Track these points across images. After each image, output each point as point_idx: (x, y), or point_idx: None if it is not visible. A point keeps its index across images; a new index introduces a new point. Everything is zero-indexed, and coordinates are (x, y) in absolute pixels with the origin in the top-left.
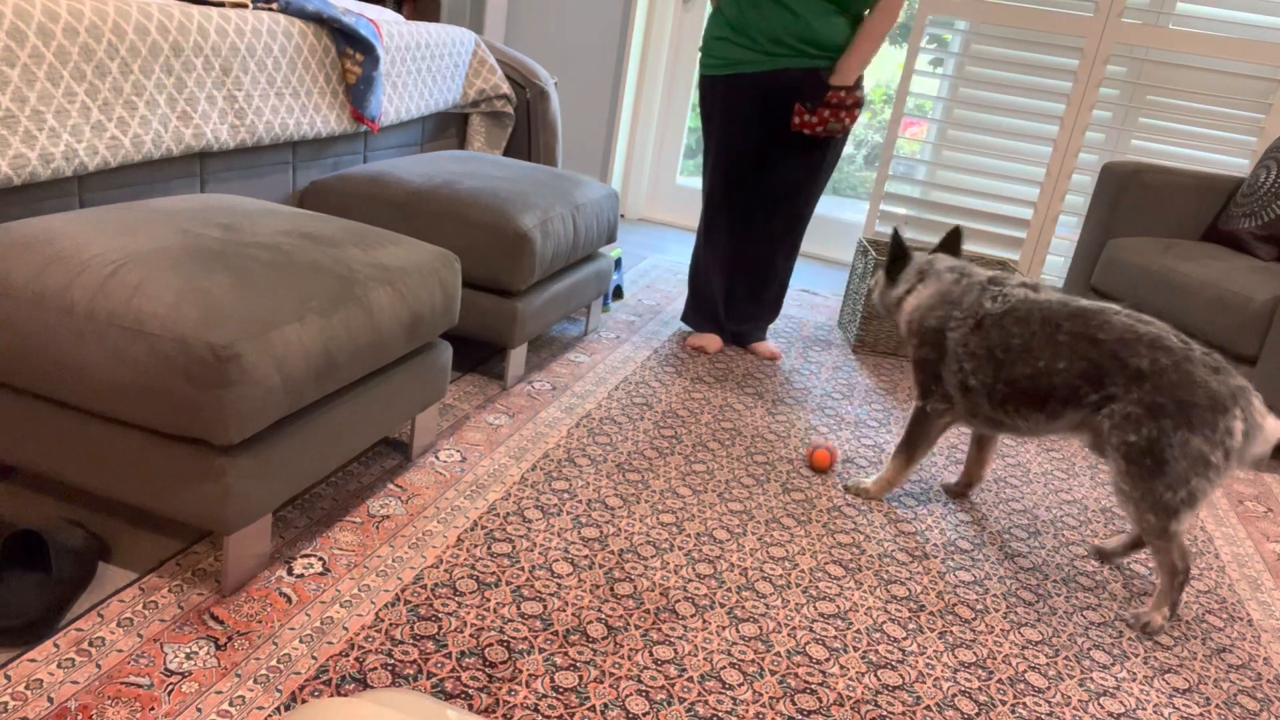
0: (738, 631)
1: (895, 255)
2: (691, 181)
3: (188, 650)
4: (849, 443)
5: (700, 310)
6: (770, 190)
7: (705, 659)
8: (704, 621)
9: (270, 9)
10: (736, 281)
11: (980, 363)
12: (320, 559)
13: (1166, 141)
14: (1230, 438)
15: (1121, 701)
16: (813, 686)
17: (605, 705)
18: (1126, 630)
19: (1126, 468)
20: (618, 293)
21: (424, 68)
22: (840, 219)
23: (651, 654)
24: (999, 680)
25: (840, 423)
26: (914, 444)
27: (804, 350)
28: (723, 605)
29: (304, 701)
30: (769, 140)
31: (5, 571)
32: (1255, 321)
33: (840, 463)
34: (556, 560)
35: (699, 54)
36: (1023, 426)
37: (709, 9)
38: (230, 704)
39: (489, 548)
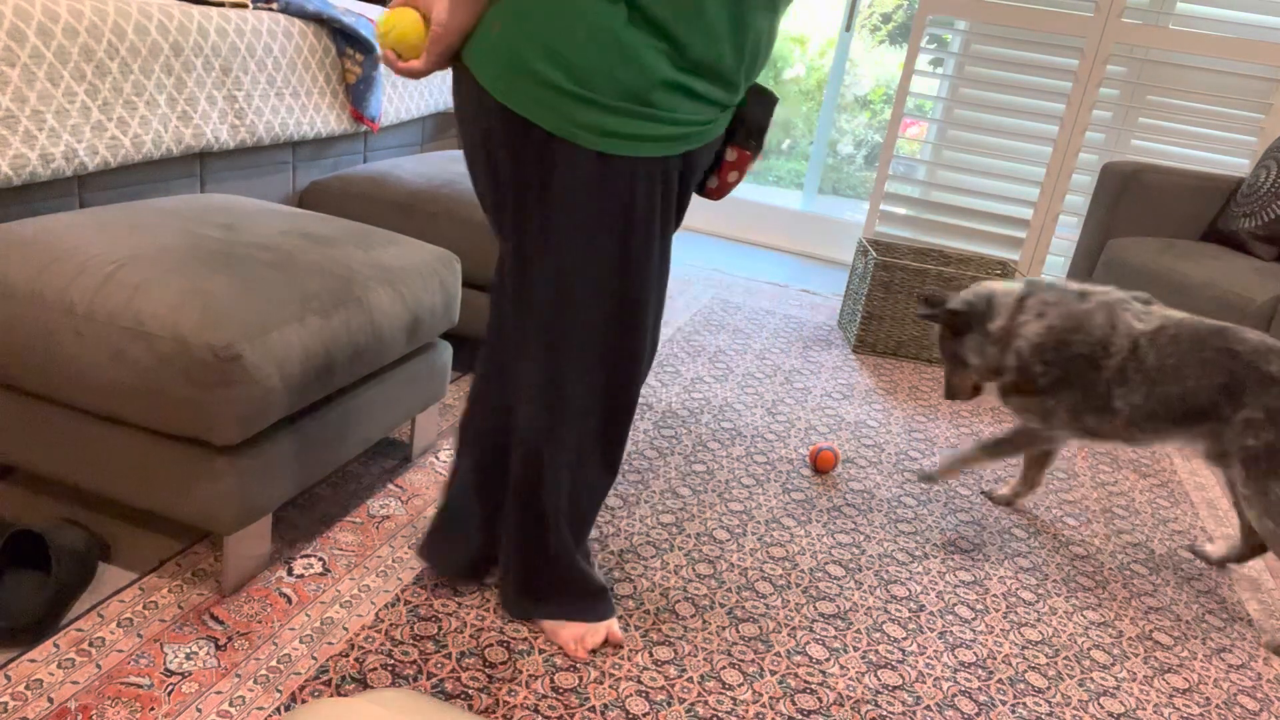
0: (738, 631)
1: (939, 301)
2: None
3: (188, 650)
4: (849, 443)
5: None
6: None
7: (705, 659)
8: (704, 621)
9: (270, 9)
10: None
11: (1134, 385)
12: (320, 559)
13: (1166, 141)
14: None
15: (1121, 701)
16: (813, 686)
17: (605, 705)
18: (1127, 630)
19: (1246, 473)
20: None
21: None
22: (840, 219)
23: (651, 654)
24: (999, 680)
25: (840, 423)
26: (1007, 454)
27: (804, 350)
28: (723, 605)
29: (304, 702)
30: None
31: (5, 571)
32: (1255, 321)
33: (841, 463)
34: None
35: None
36: (1151, 442)
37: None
38: (230, 704)
39: None
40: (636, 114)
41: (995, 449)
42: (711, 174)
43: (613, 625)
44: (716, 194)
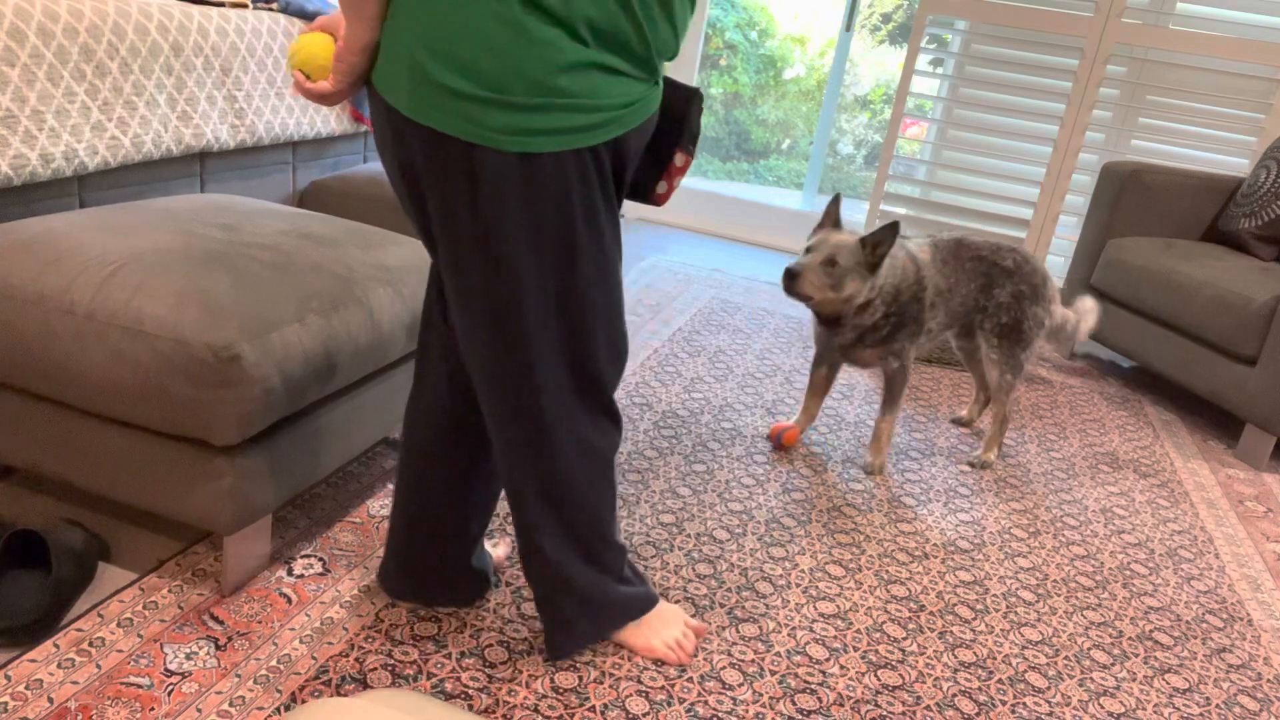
0: (738, 631)
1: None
2: (690, 181)
3: (188, 650)
4: (849, 443)
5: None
6: None
7: (705, 659)
8: (704, 621)
9: (270, 9)
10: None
11: (937, 308)
12: (320, 559)
13: (1166, 141)
14: (1052, 302)
15: (1121, 701)
16: (813, 686)
17: (605, 705)
18: (1127, 630)
19: (999, 343)
20: None
21: None
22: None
23: None
24: (999, 680)
25: (840, 423)
26: (898, 401)
27: (804, 350)
28: (723, 605)
29: (304, 702)
30: None
31: (5, 571)
32: (1255, 321)
33: (840, 463)
34: None
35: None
36: (935, 340)
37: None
38: (230, 704)
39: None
40: (552, 107)
41: (893, 406)
42: (660, 179)
43: (664, 609)
44: (663, 199)
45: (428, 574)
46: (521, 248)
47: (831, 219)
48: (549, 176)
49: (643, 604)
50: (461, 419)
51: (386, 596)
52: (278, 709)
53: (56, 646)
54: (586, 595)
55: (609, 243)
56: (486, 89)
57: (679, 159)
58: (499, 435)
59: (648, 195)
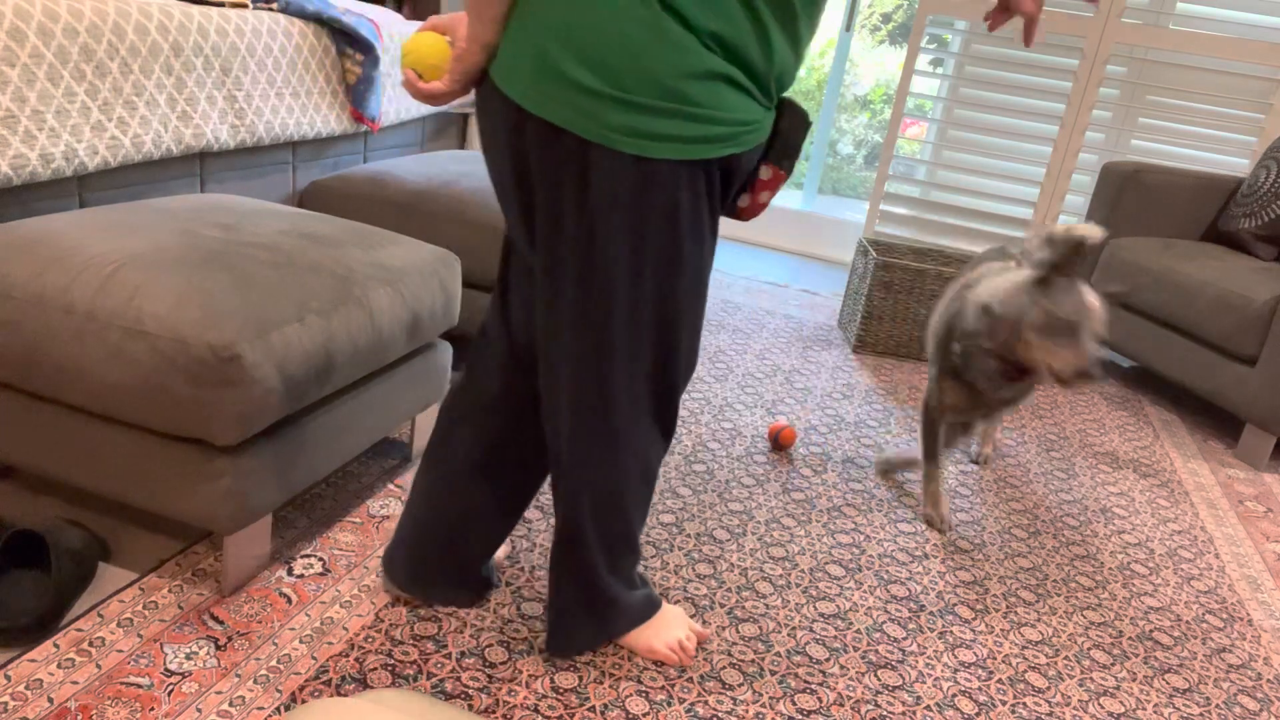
0: (738, 631)
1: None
2: None
3: (188, 650)
4: (848, 443)
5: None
6: None
7: (705, 659)
8: (704, 621)
9: (270, 9)
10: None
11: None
12: (320, 559)
13: (1166, 141)
14: None
15: (1121, 701)
16: (813, 686)
17: (605, 705)
18: (1126, 630)
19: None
20: None
21: None
22: (840, 219)
23: None
24: (999, 680)
25: (840, 423)
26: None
27: (804, 350)
28: (723, 605)
29: (304, 702)
30: None
31: (5, 571)
32: (1255, 321)
33: (840, 462)
34: None
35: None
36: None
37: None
38: (230, 704)
39: None
40: (674, 113)
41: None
42: (744, 193)
43: (667, 611)
44: (747, 214)
45: (438, 573)
46: (623, 253)
47: (1070, 266)
48: (661, 184)
49: (648, 609)
50: (510, 434)
51: (386, 595)
52: (278, 709)
53: (56, 646)
54: (600, 600)
55: (707, 259)
56: (611, 86)
57: (765, 171)
58: (563, 436)
59: (730, 208)
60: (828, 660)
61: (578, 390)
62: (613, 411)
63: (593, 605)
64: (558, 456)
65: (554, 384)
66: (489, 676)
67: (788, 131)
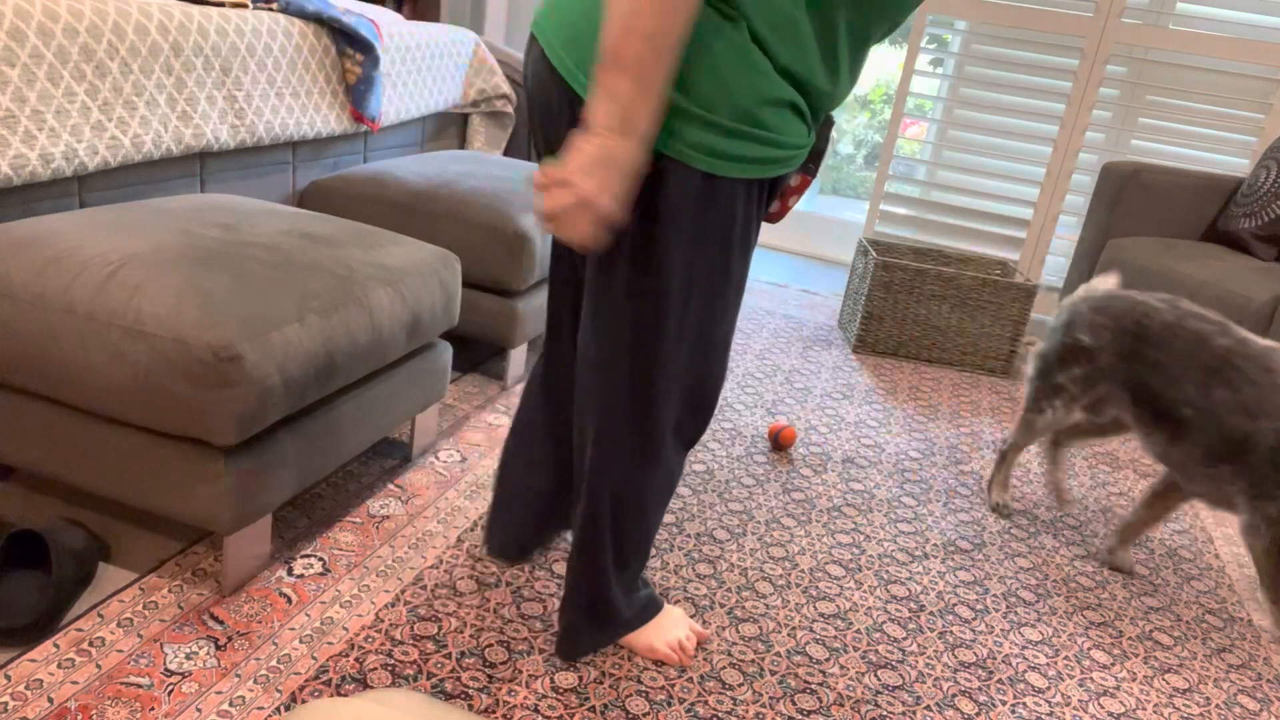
0: (738, 631)
1: None
2: None
3: (188, 650)
4: (848, 443)
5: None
6: None
7: (705, 659)
8: (704, 621)
9: (270, 9)
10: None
11: None
12: (320, 559)
13: (1166, 141)
14: None
15: (1121, 701)
16: (813, 686)
17: (605, 705)
18: (1127, 630)
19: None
20: None
21: (424, 68)
22: (840, 219)
23: None
24: (999, 680)
25: (840, 423)
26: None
27: (804, 350)
28: (723, 605)
29: (304, 702)
30: None
31: (5, 571)
32: (1255, 321)
33: (840, 462)
34: (556, 560)
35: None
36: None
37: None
38: (230, 704)
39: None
40: (746, 135)
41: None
42: (774, 198)
43: (669, 612)
44: (776, 218)
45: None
46: (679, 263)
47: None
48: (723, 201)
49: (650, 611)
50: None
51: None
52: (278, 709)
53: (56, 646)
54: (607, 604)
55: (746, 271)
56: (695, 105)
57: (794, 178)
58: (595, 436)
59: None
60: (828, 660)
61: (616, 392)
62: (644, 417)
63: (601, 609)
64: (584, 456)
65: (589, 385)
66: (489, 676)
67: (818, 138)
